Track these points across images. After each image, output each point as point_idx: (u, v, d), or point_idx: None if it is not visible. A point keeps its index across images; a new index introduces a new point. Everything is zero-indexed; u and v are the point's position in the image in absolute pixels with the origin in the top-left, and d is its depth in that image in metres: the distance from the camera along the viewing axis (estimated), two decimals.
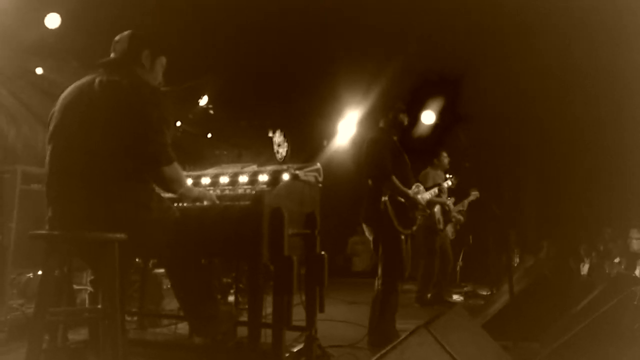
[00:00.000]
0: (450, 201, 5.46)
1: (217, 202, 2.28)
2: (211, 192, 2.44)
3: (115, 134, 1.99)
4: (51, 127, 2.11)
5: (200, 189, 2.34)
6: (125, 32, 2.22)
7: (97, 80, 2.08)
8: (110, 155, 1.97)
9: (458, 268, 6.96)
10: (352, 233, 8.74)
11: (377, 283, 3.41)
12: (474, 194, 5.66)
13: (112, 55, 2.22)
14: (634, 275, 4.14)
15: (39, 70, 4.82)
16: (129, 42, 2.18)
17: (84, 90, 2.08)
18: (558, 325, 3.13)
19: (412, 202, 3.52)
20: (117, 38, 2.23)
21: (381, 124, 3.69)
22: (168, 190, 2.14)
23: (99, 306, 1.95)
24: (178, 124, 6.25)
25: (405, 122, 3.72)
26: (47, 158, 2.09)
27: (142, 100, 2.03)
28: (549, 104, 6.71)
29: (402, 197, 3.45)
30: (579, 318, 2.70)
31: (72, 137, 2.03)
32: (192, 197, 2.20)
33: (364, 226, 3.58)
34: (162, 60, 2.28)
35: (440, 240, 5.34)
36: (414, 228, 3.60)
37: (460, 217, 5.80)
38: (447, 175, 4.92)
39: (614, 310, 2.37)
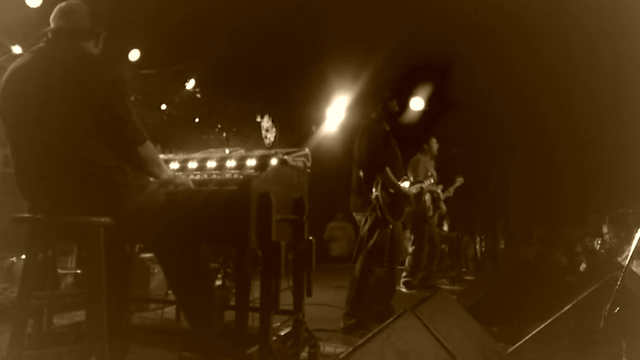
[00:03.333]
0: (439, 189, 5.53)
1: (192, 185, 2.23)
2: (197, 176, 2.42)
3: (80, 118, 1.87)
4: (5, 119, 1.97)
5: (170, 172, 2.25)
6: (63, 5, 2.06)
7: (39, 60, 1.94)
8: (78, 140, 1.87)
9: (442, 253, 7.06)
10: (331, 218, 8.80)
11: (358, 266, 3.45)
12: (459, 181, 5.75)
13: (51, 26, 2.05)
14: (616, 261, 4.23)
15: (18, 50, 4.70)
16: (68, 15, 2.04)
17: (29, 73, 1.93)
18: (540, 310, 3.19)
19: (403, 195, 3.55)
20: (53, 14, 2.07)
21: (373, 115, 3.68)
22: (145, 172, 2.07)
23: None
24: (163, 107, 6.16)
25: (396, 109, 3.72)
26: (10, 153, 1.97)
27: (101, 79, 1.90)
28: (538, 93, 6.75)
29: (393, 189, 3.47)
30: (561, 303, 2.75)
31: (32, 129, 1.89)
32: (173, 181, 2.15)
33: (354, 214, 3.60)
34: (103, 34, 2.15)
35: (428, 227, 5.40)
36: (402, 219, 3.65)
37: (444, 207, 5.84)
38: (429, 174, 4.98)
39: (596, 295, 2.41)
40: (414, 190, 3.81)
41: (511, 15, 5.31)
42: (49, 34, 2.03)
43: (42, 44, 2.01)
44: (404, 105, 6.16)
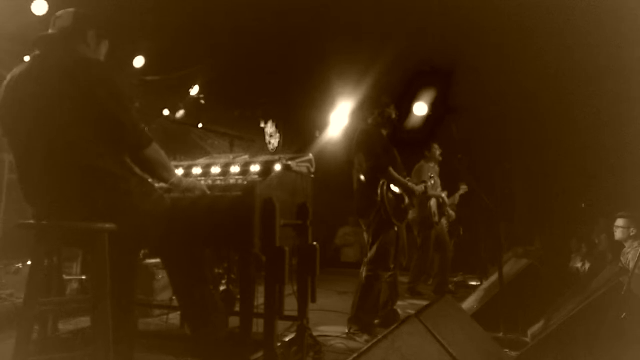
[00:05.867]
0: (444, 194, 5.52)
1: (208, 192, 2.23)
2: (202, 182, 2.43)
3: (79, 122, 1.86)
4: (5, 126, 1.98)
5: (191, 179, 2.28)
6: (69, 9, 2.07)
7: (36, 66, 1.94)
8: (77, 145, 1.86)
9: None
10: (343, 223, 8.75)
11: (363, 270, 3.44)
12: (463, 188, 5.78)
13: (50, 31, 2.05)
14: (620, 265, 4.20)
15: (26, 58, 4.73)
16: (72, 19, 2.04)
17: (27, 79, 1.93)
18: (546, 316, 3.17)
19: (409, 190, 3.54)
20: (58, 13, 2.07)
21: (370, 120, 3.68)
22: (154, 176, 2.06)
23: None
24: (166, 112, 6.19)
25: (394, 115, 3.70)
26: (13, 160, 1.98)
27: (95, 79, 1.88)
28: (540, 96, 6.75)
29: (399, 186, 3.46)
30: (567, 308, 2.73)
31: (32, 134, 1.89)
32: (181, 187, 2.13)
33: (360, 220, 3.59)
34: (106, 43, 2.14)
35: (435, 232, 5.37)
36: (407, 220, 3.64)
37: (452, 213, 5.87)
38: (430, 175, 4.98)
39: (601, 301, 2.40)
40: (419, 188, 3.80)
41: (511, 18, 5.31)
42: (45, 40, 2.03)
43: (37, 51, 2.01)
44: (408, 110, 6.18)
